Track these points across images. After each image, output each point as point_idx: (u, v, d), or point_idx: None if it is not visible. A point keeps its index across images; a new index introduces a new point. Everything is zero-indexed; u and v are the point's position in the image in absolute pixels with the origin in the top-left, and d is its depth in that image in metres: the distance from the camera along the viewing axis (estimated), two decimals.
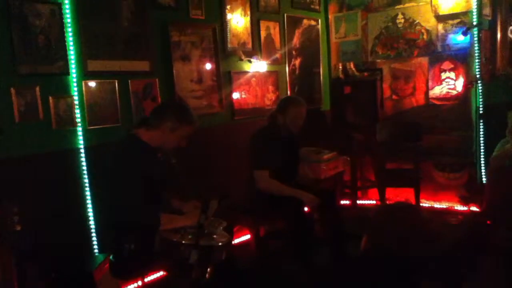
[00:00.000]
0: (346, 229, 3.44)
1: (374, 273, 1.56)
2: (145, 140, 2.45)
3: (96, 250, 3.13)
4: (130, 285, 3.15)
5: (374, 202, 4.94)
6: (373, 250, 1.62)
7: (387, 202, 4.49)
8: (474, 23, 4.29)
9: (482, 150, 4.45)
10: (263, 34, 4.44)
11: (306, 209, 3.51)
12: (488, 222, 3.60)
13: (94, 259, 2.99)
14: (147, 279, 3.05)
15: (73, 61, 3.01)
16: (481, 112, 4.41)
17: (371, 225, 1.68)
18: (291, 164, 3.45)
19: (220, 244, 2.27)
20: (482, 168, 4.48)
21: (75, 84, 3.03)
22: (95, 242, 3.13)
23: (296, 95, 4.49)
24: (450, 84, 4.56)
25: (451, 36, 4.49)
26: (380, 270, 1.55)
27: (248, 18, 4.27)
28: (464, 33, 4.25)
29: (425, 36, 4.65)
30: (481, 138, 4.44)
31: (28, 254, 2.27)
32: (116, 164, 2.38)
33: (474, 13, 4.32)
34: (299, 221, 3.12)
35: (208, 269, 2.16)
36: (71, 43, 3.00)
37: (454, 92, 4.54)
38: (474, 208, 4.41)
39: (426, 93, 4.70)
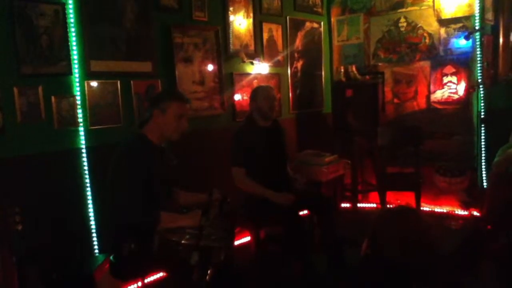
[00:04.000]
0: (346, 233, 3.44)
1: (374, 278, 1.56)
2: (150, 137, 2.46)
3: (96, 251, 3.13)
4: (130, 285, 3.15)
5: (374, 205, 4.94)
6: (373, 255, 1.62)
7: (388, 205, 4.49)
8: (477, 28, 4.30)
9: (483, 155, 4.45)
10: (265, 36, 4.45)
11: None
12: (489, 227, 3.60)
13: (94, 259, 3.00)
14: (147, 280, 3.05)
15: (76, 62, 3.02)
16: (482, 116, 4.41)
17: (372, 230, 1.68)
18: (274, 154, 3.39)
19: (219, 246, 2.27)
20: (483, 173, 4.48)
21: (77, 85, 3.04)
22: (95, 243, 3.13)
23: None
24: (452, 88, 4.56)
25: (453, 40, 4.49)
26: (381, 275, 1.55)
27: (251, 20, 4.28)
28: (467, 38, 4.25)
29: (427, 40, 4.65)
30: (483, 143, 4.44)
31: (28, 254, 2.27)
32: (121, 162, 2.38)
33: (477, 18, 4.33)
34: (295, 225, 3.11)
35: (209, 271, 2.17)
36: (74, 44, 3.01)
37: (456, 97, 4.54)
38: (474, 213, 4.41)
39: (428, 97, 4.70)
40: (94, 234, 3.12)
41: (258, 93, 3.36)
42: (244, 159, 3.21)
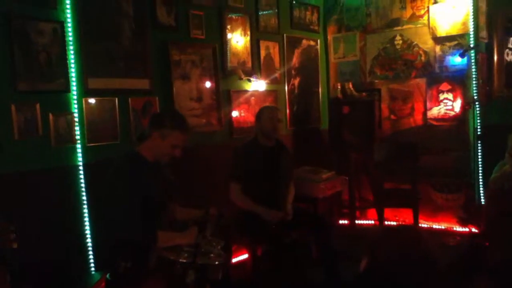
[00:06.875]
0: (344, 249, 3.43)
1: None
2: (145, 155, 2.45)
3: (92, 269, 3.10)
4: None
5: (372, 222, 4.93)
6: (373, 272, 1.61)
7: (386, 222, 4.48)
8: (471, 46, 4.35)
9: (480, 171, 4.45)
10: (262, 53, 4.49)
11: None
12: (487, 243, 3.59)
13: (90, 277, 2.97)
14: None
15: (73, 79, 3.03)
16: (478, 133, 4.42)
17: (372, 247, 1.66)
18: (271, 173, 3.42)
19: (216, 263, 2.26)
20: (480, 189, 4.48)
21: (75, 102, 3.05)
22: (92, 260, 3.10)
23: None
24: (448, 105, 4.59)
25: (448, 58, 4.54)
26: None
27: (248, 38, 4.31)
28: (462, 55, 4.30)
29: (423, 58, 4.70)
30: (479, 159, 4.45)
31: (24, 272, 2.25)
32: (117, 180, 2.38)
33: (471, 36, 4.39)
34: (274, 242, 3.16)
35: None
36: (72, 61, 3.03)
37: (452, 113, 4.57)
38: (472, 229, 4.40)
39: (424, 113, 4.73)
40: (91, 252, 3.10)
41: (263, 113, 3.43)
42: (241, 175, 3.24)
